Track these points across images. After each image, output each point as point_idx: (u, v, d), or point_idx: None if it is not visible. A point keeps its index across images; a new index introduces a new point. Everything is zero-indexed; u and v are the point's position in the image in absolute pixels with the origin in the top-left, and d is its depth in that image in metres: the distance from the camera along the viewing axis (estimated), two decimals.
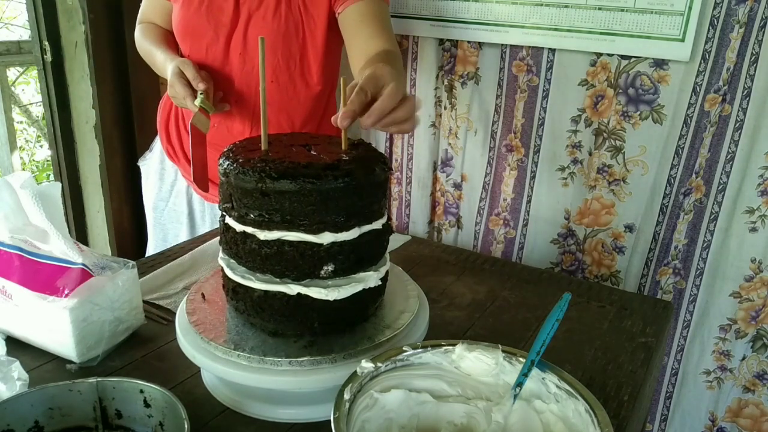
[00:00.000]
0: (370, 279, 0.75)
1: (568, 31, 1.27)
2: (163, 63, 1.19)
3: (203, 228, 1.42)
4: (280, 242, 0.71)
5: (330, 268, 0.72)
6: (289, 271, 0.72)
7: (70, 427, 0.67)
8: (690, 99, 1.20)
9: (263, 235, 0.71)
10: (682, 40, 1.16)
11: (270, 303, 0.73)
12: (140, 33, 1.31)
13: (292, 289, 0.72)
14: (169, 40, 1.27)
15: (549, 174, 1.41)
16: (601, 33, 1.24)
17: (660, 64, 1.21)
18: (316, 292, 0.71)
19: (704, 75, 1.17)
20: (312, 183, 0.67)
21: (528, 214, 1.47)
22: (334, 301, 0.72)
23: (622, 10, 1.20)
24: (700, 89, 1.19)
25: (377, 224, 0.75)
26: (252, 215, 0.71)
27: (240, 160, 0.71)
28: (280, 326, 0.74)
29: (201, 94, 1.08)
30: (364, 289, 0.74)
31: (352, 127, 0.75)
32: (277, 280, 0.73)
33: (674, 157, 1.25)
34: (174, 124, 1.36)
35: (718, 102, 1.18)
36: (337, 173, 0.68)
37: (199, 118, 1.10)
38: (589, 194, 1.37)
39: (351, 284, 0.73)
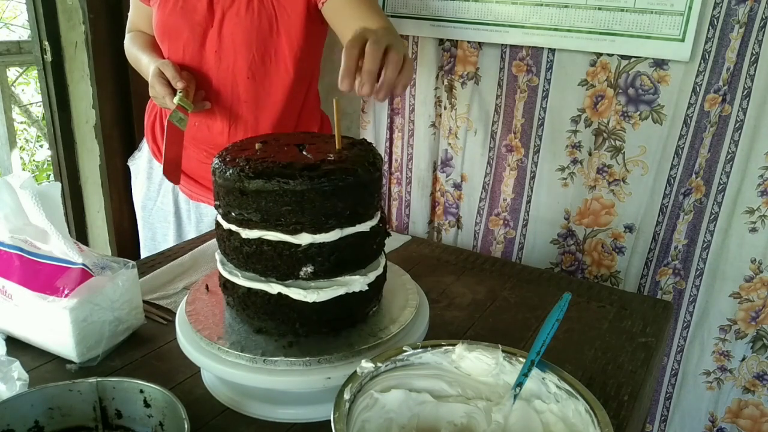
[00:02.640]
0: (355, 283, 0.74)
1: (568, 31, 1.27)
2: (147, 66, 1.21)
3: (189, 227, 1.43)
4: (259, 241, 0.71)
5: (309, 269, 0.71)
6: (269, 270, 0.72)
7: (70, 427, 0.67)
8: (690, 99, 1.20)
9: (245, 233, 0.71)
10: (682, 40, 1.16)
11: (253, 300, 0.74)
12: (128, 41, 1.34)
13: (273, 288, 0.72)
14: (155, 46, 1.29)
15: (549, 174, 1.41)
16: (601, 33, 1.24)
17: (660, 64, 1.21)
18: (295, 293, 0.71)
19: (704, 75, 1.17)
20: (286, 183, 0.67)
21: (528, 214, 1.47)
22: (315, 303, 0.72)
23: (622, 10, 1.20)
24: (700, 89, 1.19)
25: (363, 227, 0.74)
26: (234, 213, 0.72)
27: (227, 159, 0.72)
28: (263, 324, 0.75)
29: (180, 92, 1.11)
30: (348, 293, 0.73)
31: (353, 128, 0.75)
32: (262, 278, 0.73)
33: (674, 157, 1.25)
34: (159, 125, 1.38)
35: (718, 102, 1.18)
36: (314, 174, 0.68)
37: (176, 115, 1.13)
38: (589, 194, 1.37)
39: (333, 287, 0.72)
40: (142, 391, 0.67)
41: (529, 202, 1.46)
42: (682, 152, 1.25)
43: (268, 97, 1.24)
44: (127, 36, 1.36)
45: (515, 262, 1.35)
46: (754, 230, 1.22)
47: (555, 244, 1.46)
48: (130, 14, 1.36)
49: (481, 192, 1.53)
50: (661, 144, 1.26)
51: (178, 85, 1.12)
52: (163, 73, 1.13)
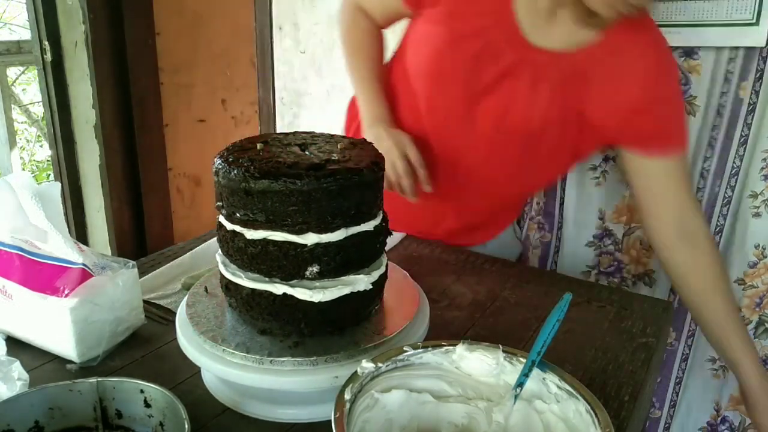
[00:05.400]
0: (360, 282, 0.74)
1: None
2: (365, 104, 1.08)
3: None
4: (264, 241, 0.71)
5: (315, 269, 0.71)
6: (275, 271, 0.72)
7: (70, 427, 0.67)
8: (722, 87, 1.17)
9: (249, 234, 0.71)
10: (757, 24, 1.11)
11: (258, 301, 0.73)
12: (348, 25, 1.11)
13: (279, 288, 0.72)
14: (379, 66, 1.13)
15: (580, 175, 1.37)
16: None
17: (689, 53, 1.18)
18: (301, 293, 0.71)
19: (736, 62, 1.14)
20: (293, 183, 0.67)
21: (561, 217, 1.44)
22: (321, 303, 0.72)
23: None
24: (732, 77, 1.16)
25: (367, 226, 0.74)
26: (238, 214, 0.71)
27: (230, 159, 0.72)
28: (268, 325, 0.75)
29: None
30: (353, 293, 0.74)
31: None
32: (266, 279, 0.73)
33: (707, 149, 1.23)
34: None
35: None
36: (320, 174, 0.68)
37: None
38: (626, 191, 1.34)
39: (338, 287, 0.73)
40: (142, 391, 0.67)
41: (561, 204, 1.42)
42: (715, 143, 1.22)
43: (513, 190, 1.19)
44: (347, 9, 1.10)
45: (515, 262, 1.35)
46: (757, 215, 1.19)
47: (591, 246, 1.42)
48: None
49: None
50: (693, 135, 1.23)
51: (421, 173, 1.02)
52: (406, 153, 1.02)
